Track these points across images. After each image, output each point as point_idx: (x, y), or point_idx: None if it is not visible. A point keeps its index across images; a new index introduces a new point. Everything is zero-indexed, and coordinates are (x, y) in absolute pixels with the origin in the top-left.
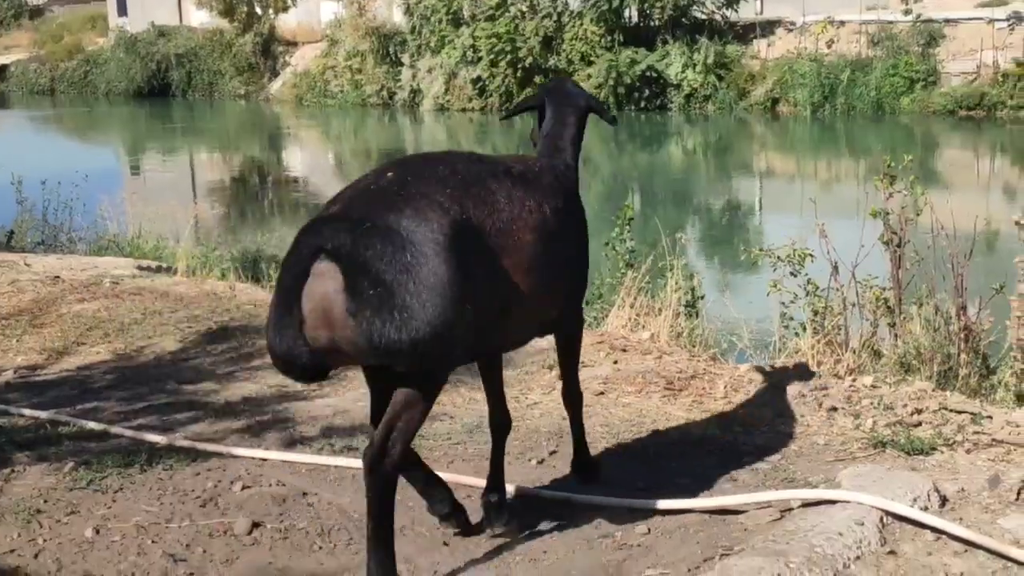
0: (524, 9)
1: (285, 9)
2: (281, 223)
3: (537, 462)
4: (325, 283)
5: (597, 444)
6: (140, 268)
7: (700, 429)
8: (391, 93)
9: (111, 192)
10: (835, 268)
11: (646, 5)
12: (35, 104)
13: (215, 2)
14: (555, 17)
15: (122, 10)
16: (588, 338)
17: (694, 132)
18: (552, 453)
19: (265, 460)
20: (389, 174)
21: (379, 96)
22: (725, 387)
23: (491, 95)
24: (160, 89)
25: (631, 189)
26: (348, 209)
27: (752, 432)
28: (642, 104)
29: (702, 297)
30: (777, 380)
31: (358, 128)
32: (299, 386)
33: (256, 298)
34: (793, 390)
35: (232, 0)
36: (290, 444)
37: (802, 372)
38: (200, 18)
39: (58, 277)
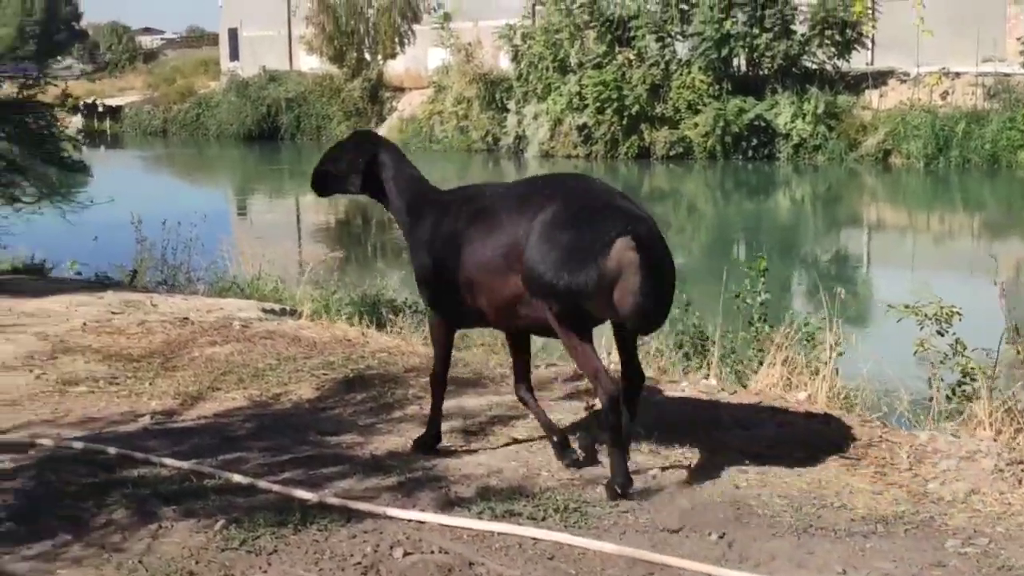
0: (631, 57)
1: (393, 56)
2: (386, 266)
3: (718, 536)
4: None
5: (780, 517)
6: (264, 311)
7: (889, 505)
8: (496, 138)
9: (221, 232)
10: (1016, 330)
11: (755, 54)
12: (148, 144)
13: (325, 48)
14: (663, 65)
15: (234, 55)
16: (743, 397)
17: (802, 183)
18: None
19: (423, 523)
20: (577, 181)
21: (484, 141)
22: (908, 457)
23: (596, 142)
24: (269, 132)
25: (736, 240)
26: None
27: (948, 510)
28: (749, 153)
29: (841, 354)
30: (964, 451)
31: (462, 173)
32: (446, 442)
33: (388, 345)
34: (986, 463)
35: (342, 46)
36: (446, 506)
37: (989, 443)
38: (310, 63)
39: (187, 319)
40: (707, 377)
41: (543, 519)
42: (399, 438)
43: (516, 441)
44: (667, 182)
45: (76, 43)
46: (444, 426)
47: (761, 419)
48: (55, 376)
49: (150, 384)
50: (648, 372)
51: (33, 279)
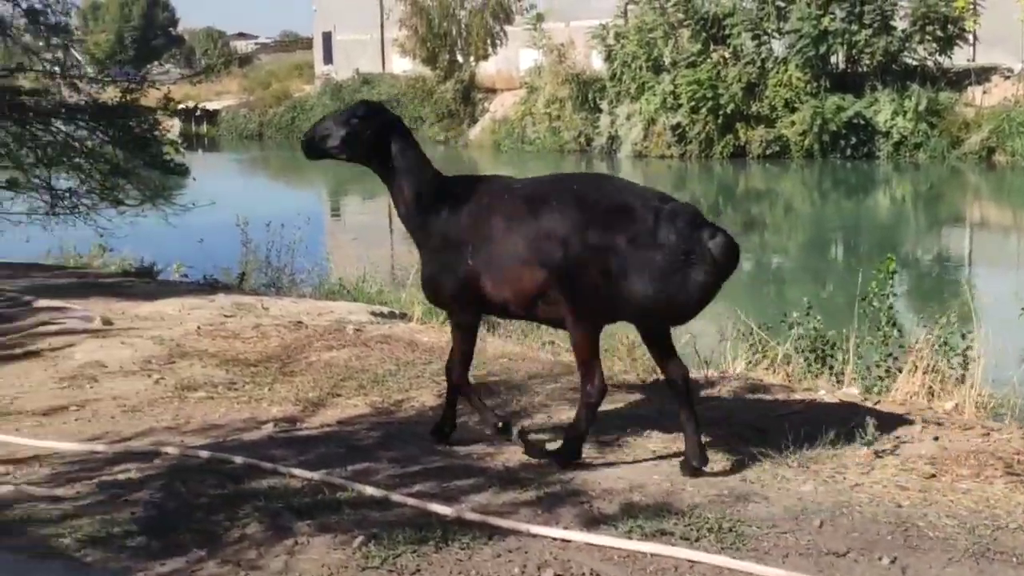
0: (726, 55)
1: (485, 57)
2: None
3: (890, 561)
4: None
5: (953, 540)
6: (374, 314)
7: None
8: (589, 139)
9: (316, 234)
10: None
11: (854, 51)
12: (244, 147)
13: (418, 50)
14: (758, 63)
15: (328, 58)
16: (888, 407)
17: (903, 181)
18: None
19: (569, 542)
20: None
21: (576, 142)
22: None
23: (691, 142)
24: None
25: (835, 240)
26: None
27: None
28: (848, 152)
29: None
30: None
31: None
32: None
33: (508, 351)
34: None
35: (434, 48)
36: (591, 523)
37: None
38: (403, 66)
39: (300, 322)
40: (838, 385)
41: (697, 540)
42: None
43: (654, 453)
44: (763, 182)
45: (173, 48)
46: None
47: (913, 431)
48: (174, 381)
49: (269, 390)
50: (774, 379)
51: (144, 282)
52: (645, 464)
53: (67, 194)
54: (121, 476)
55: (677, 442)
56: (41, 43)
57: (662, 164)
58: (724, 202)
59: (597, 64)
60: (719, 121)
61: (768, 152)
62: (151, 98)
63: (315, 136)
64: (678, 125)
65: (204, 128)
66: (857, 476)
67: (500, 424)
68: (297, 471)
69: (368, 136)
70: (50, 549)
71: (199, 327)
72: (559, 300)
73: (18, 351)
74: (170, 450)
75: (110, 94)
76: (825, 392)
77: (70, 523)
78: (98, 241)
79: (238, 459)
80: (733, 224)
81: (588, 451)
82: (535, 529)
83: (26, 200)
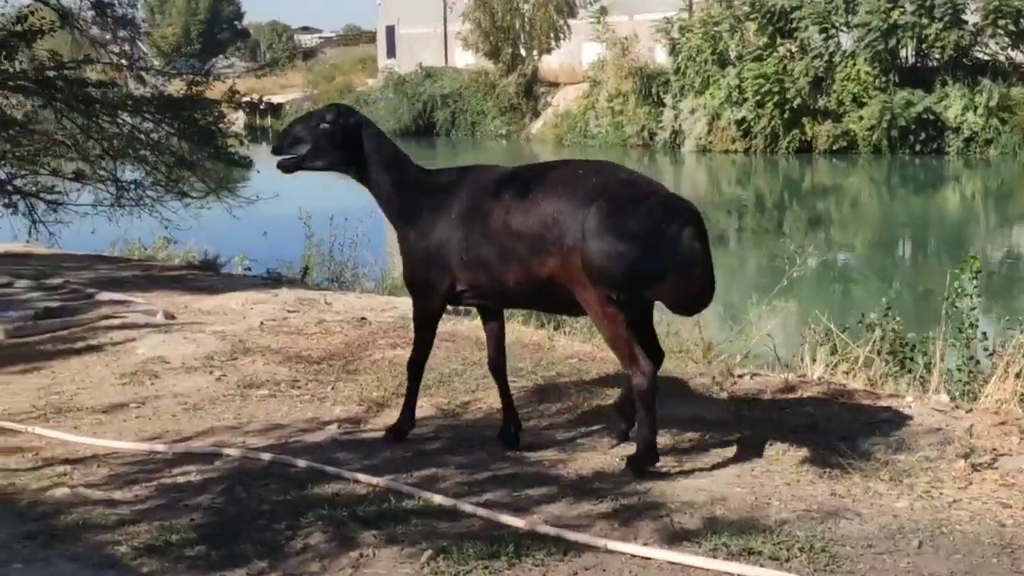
0: (793, 49)
1: (548, 51)
2: None
3: None
4: None
5: None
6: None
7: None
8: (652, 134)
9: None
10: None
11: (924, 45)
12: None
13: (481, 44)
14: (826, 57)
15: (391, 52)
16: (981, 417)
17: (973, 177)
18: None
19: (649, 559)
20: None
21: (639, 136)
22: None
23: (756, 137)
24: (425, 128)
25: (903, 237)
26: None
27: None
28: (916, 148)
29: None
30: None
31: None
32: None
33: (579, 351)
34: None
35: (497, 42)
36: (672, 539)
37: None
38: (465, 59)
39: (364, 318)
40: (923, 390)
41: (787, 560)
42: (603, 456)
43: (735, 462)
44: (830, 177)
45: (238, 42)
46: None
47: (1010, 443)
48: (236, 379)
49: (332, 388)
50: (856, 384)
51: (208, 275)
52: (725, 474)
53: (132, 186)
54: (181, 479)
55: (757, 450)
56: (108, 36)
57: (726, 159)
58: (790, 198)
59: (661, 58)
60: (785, 116)
61: (835, 147)
62: (216, 91)
63: (284, 145)
64: (743, 119)
65: (268, 121)
66: (955, 492)
67: (408, 427)
68: (362, 476)
69: (339, 140)
70: (106, 558)
71: (262, 322)
72: (569, 288)
73: (80, 345)
74: (231, 452)
75: (176, 87)
76: (912, 399)
77: (127, 530)
78: (163, 233)
79: (301, 462)
80: (798, 220)
81: (665, 459)
82: (613, 545)
83: (92, 191)
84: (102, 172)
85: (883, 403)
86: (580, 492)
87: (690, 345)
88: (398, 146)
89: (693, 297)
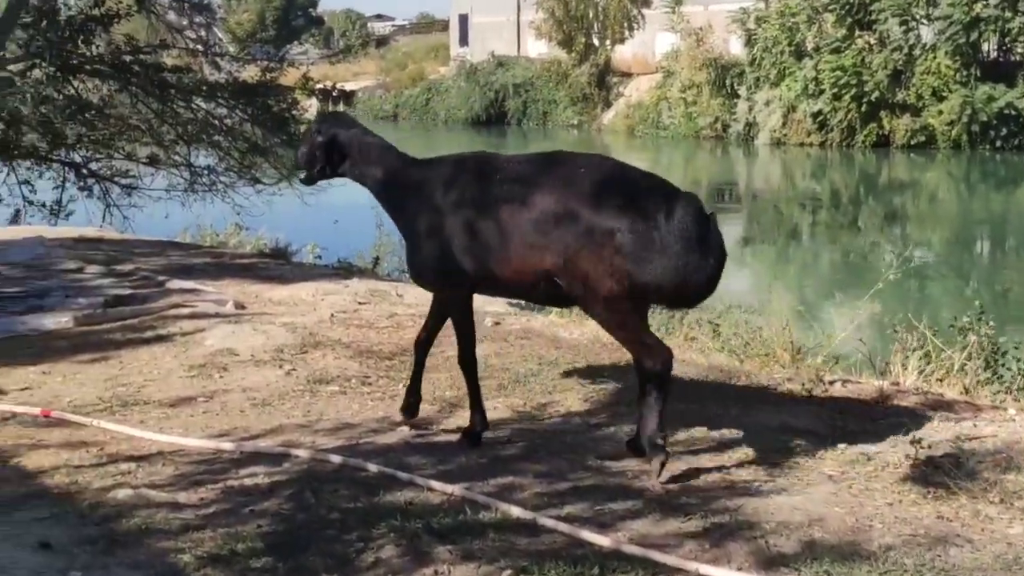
0: (872, 42)
1: (622, 40)
2: None
3: None
4: None
5: None
6: (512, 304)
7: None
8: (725, 125)
9: None
10: None
11: (1007, 39)
12: (378, 128)
13: (554, 33)
14: (906, 50)
15: (463, 40)
16: None
17: None
18: None
19: None
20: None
21: (712, 128)
22: None
23: (832, 130)
24: (497, 117)
25: (981, 235)
26: None
27: None
28: (997, 143)
29: None
30: None
31: (689, 160)
32: (745, 475)
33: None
34: None
35: (571, 31)
36: (768, 564)
37: None
38: (538, 49)
39: None
40: (1014, 400)
41: None
42: (690, 468)
43: (830, 477)
44: (907, 172)
45: (312, 29)
46: (739, 454)
47: None
48: (306, 373)
49: (404, 386)
50: (951, 393)
51: (278, 264)
52: (821, 491)
53: (206, 171)
54: (248, 481)
55: (856, 467)
56: (185, 21)
57: (801, 152)
58: (866, 193)
59: (736, 48)
60: (862, 109)
61: (913, 142)
62: (290, 78)
63: (300, 165)
64: (819, 112)
65: (341, 108)
66: None
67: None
68: (436, 484)
69: (322, 151)
70: (168, 567)
71: (332, 315)
72: (572, 281)
73: (149, 335)
74: (301, 453)
75: (250, 73)
76: (1014, 411)
77: (191, 536)
78: (234, 220)
79: (372, 467)
80: (874, 215)
81: (755, 472)
82: (704, 569)
83: (166, 176)
84: (176, 157)
85: (985, 415)
86: (666, 507)
87: (776, 348)
88: (385, 141)
89: (700, 295)
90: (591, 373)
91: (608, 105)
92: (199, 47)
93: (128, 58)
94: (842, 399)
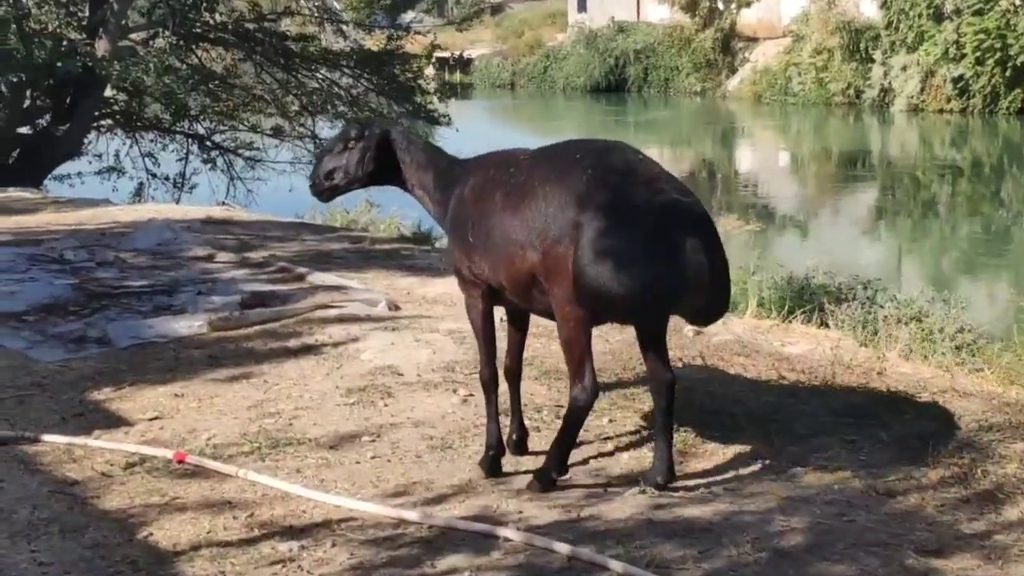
0: (1017, 3)
1: (748, 4)
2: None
3: None
4: None
5: None
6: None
7: None
8: (858, 92)
9: None
10: None
11: None
12: (495, 96)
13: None
14: None
15: (582, 6)
16: None
17: None
18: None
19: None
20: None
21: (845, 95)
22: None
23: (974, 96)
24: (616, 84)
25: None
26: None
27: None
28: None
29: None
30: None
31: (819, 128)
32: None
33: (919, 377)
34: None
35: None
36: None
37: None
38: (659, 14)
39: None
40: None
41: None
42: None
43: None
44: None
45: None
46: None
47: None
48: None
49: (611, 421)
50: None
51: (423, 250)
52: None
53: None
54: None
55: None
56: None
57: (940, 119)
58: (1009, 161)
59: (870, 11)
60: (1007, 74)
61: None
62: (412, 47)
63: (321, 178)
64: (960, 77)
65: (457, 76)
66: None
67: (492, 452)
68: None
69: (373, 155)
70: None
71: (502, 318)
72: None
73: (294, 344)
74: (511, 535)
75: (377, 40)
76: None
77: None
78: (362, 195)
79: (615, 565)
80: (1018, 187)
81: None
82: None
83: (291, 148)
84: (301, 128)
85: None
86: None
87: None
88: (430, 144)
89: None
90: (849, 411)
91: (733, 71)
92: (323, 14)
93: (251, 26)
94: None
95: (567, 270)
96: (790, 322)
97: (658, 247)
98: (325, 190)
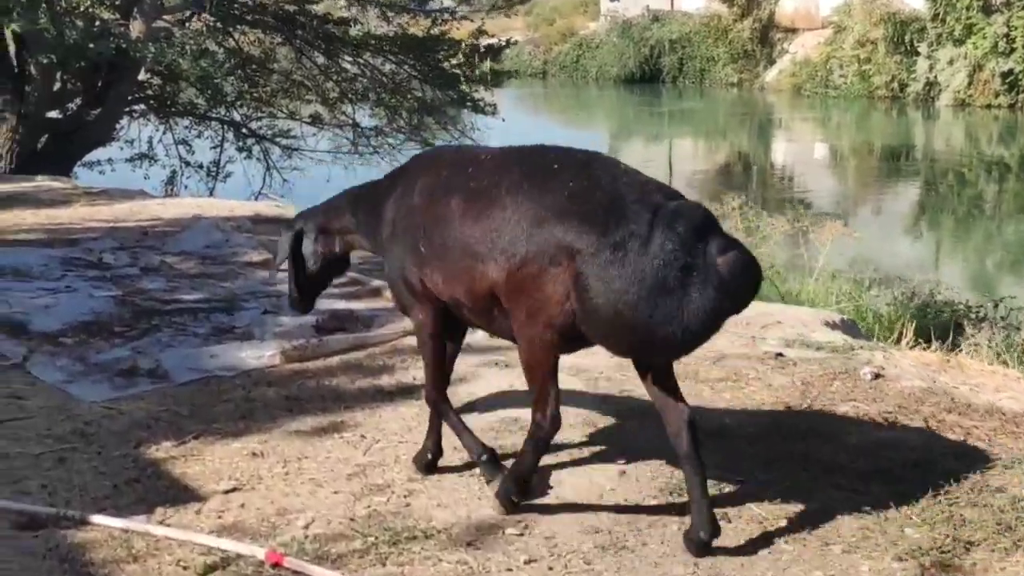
0: None
1: None
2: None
3: None
4: None
5: None
6: (830, 325)
7: None
8: (903, 85)
9: None
10: None
11: None
12: (527, 85)
13: None
14: None
15: None
16: None
17: None
18: None
19: None
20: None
21: (888, 88)
22: None
23: (1023, 91)
24: (651, 75)
25: None
26: None
27: None
28: None
29: None
30: None
31: (861, 122)
32: None
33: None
34: None
35: None
36: None
37: None
38: (695, 3)
39: (780, 353)
40: None
41: None
42: None
43: None
44: None
45: None
46: None
47: None
48: (649, 472)
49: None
50: None
51: None
52: None
53: (373, 132)
54: None
55: None
56: None
57: (988, 114)
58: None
59: (916, 3)
60: None
61: None
62: (463, 31)
63: (296, 295)
64: (1010, 72)
65: (487, 64)
66: None
67: (484, 456)
68: None
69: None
70: None
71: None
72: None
73: (387, 383)
74: None
75: (421, 25)
76: None
77: None
78: None
79: None
80: None
81: None
82: None
83: (331, 137)
84: (341, 116)
85: None
86: None
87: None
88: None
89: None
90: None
91: (771, 63)
92: None
93: (292, 8)
94: None
95: (538, 293)
96: (957, 354)
97: (694, 263)
98: (299, 303)
